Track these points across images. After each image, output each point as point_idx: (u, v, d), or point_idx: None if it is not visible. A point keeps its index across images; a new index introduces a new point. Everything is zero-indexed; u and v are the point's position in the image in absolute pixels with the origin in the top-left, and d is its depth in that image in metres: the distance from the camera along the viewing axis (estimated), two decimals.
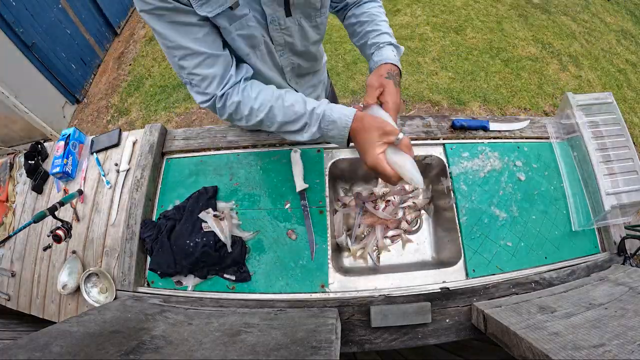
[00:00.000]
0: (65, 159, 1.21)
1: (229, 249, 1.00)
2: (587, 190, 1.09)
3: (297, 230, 1.05)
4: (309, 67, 0.98)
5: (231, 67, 0.74)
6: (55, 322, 1.02)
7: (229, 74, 0.73)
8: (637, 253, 1.01)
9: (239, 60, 0.79)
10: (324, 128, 0.73)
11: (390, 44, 0.86)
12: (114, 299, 1.00)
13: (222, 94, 0.74)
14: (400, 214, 1.21)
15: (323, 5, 0.81)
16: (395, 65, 0.82)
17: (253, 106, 0.75)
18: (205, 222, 1.03)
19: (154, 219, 1.10)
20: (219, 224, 1.02)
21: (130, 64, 3.42)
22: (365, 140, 0.70)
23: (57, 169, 1.18)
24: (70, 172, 1.21)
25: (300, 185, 1.08)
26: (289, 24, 0.77)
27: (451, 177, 1.11)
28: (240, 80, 0.75)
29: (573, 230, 1.06)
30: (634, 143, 1.10)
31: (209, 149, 1.19)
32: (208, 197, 1.08)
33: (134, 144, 1.23)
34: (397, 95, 0.78)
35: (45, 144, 1.35)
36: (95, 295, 1.05)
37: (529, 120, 1.21)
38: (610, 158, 1.06)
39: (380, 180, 1.25)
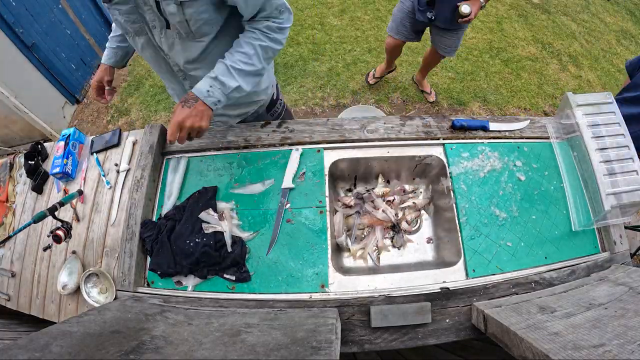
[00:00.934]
0: (65, 159, 1.21)
1: (229, 249, 1.00)
2: (587, 190, 1.09)
3: (297, 230, 1.05)
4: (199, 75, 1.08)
5: None
6: (55, 322, 1.02)
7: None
8: (638, 253, 1.02)
9: None
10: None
11: (217, 79, 0.96)
12: (114, 299, 1.00)
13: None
14: (400, 214, 1.21)
15: (199, 33, 0.92)
16: None
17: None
18: (207, 222, 1.03)
19: (154, 219, 1.10)
20: (221, 223, 1.02)
21: (130, 64, 3.42)
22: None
23: (57, 169, 1.18)
24: (70, 172, 1.21)
25: (287, 182, 1.09)
26: (168, 35, 0.91)
27: (451, 177, 1.11)
28: None
29: (573, 230, 1.06)
30: None
31: (209, 149, 1.19)
32: (208, 198, 1.08)
33: (134, 144, 1.23)
34: (180, 114, 0.92)
35: (45, 144, 1.35)
36: (95, 295, 1.05)
37: (528, 120, 1.21)
38: (610, 158, 1.06)
39: (380, 180, 1.26)
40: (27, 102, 2.60)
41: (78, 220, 1.16)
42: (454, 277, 1.00)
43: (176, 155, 1.19)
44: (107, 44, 1.19)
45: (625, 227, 1.10)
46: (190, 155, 1.19)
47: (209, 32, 0.93)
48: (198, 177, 1.14)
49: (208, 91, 0.91)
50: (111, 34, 1.18)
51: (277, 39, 0.96)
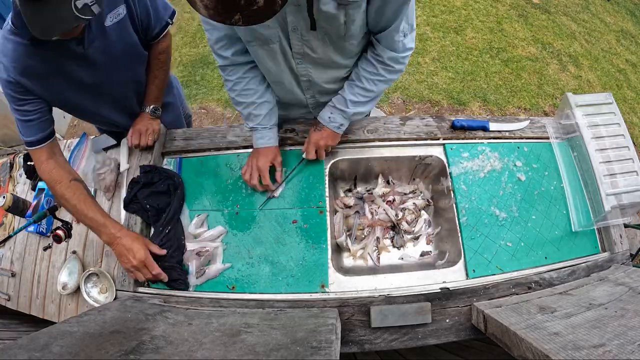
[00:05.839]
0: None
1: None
2: (587, 190, 1.09)
3: (298, 230, 1.05)
4: (330, 89, 1.02)
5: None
6: (55, 322, 1.02)
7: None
8: (638, 253, 1.02)
9: None
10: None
11: (335, 107, 1.01)
12: (114, 299, 1.00)
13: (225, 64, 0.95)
14: (400, 214, 1.21)
15: (350, 36, 0.82)
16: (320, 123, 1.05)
17: (232, 95, 1.01)
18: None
19: None
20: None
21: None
22: (258, 159, 1.06)
23: (31, 229, 1.14)
24: (44, 231, 1.16)
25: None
26: (311, 37, 0.81)
27: (451, 178, 1.11)
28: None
29: (573, 230, 1.06)
30: (634, 143, 1.09)
31: (209, 149, 1.19)
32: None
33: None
34: (314, 136, 1.06)
35: None
36: (95, 295, 1.05)
37: (528, 121, 1.21)
38: (610, 158, 1.06)
39: (380, 180, 1.26)
40: None
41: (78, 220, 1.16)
42: (454, 277, 1.00)
43: (174, 156, 1.19)
44: None
45: (626, 226, 1.09)
46: (190, 155, 1.19)
47: (359, 34, 0.83)
48: (198, 177, 1.14)
49: (329, 117, 1.02)
50: None
51: (398, 70, 0.91)
